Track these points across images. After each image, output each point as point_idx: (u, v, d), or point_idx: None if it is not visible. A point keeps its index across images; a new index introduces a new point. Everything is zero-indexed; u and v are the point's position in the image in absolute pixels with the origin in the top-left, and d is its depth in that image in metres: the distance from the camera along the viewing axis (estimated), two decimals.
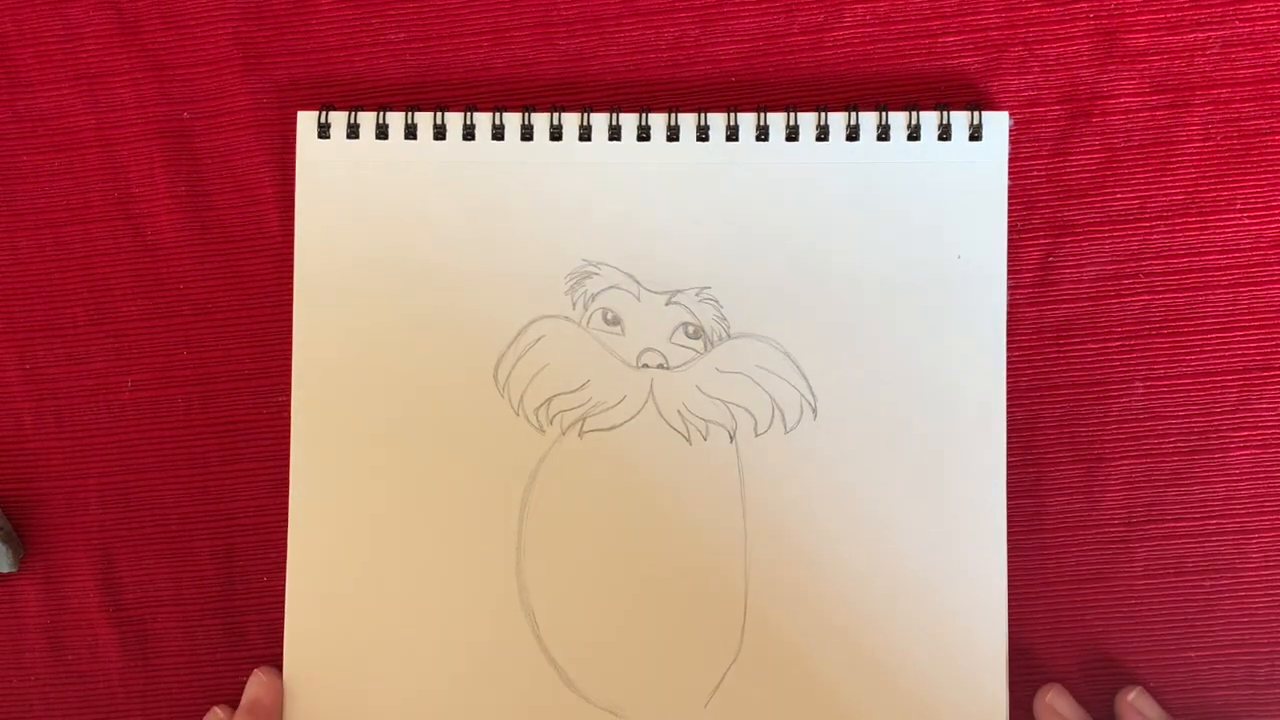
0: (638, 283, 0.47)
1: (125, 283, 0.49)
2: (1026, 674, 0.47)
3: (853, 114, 0.47)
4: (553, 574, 0.47)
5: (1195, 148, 0.47)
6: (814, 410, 0.46)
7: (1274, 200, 0.47)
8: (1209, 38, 0.47)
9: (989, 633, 0.46)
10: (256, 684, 0.47)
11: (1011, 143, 0.47)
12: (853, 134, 0.47)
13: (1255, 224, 0.47)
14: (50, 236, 0.49)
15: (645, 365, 0.47)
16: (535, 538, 0.47)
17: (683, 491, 0.47)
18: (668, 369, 0.47)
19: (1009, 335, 0.47)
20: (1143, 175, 0.47)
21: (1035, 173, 0.47)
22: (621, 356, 0.47)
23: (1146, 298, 0.47)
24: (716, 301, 0.47)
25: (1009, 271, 0.47)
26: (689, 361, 0.47)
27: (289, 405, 0.47)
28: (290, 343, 0.47)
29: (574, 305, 0.47)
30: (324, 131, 0.47)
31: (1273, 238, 0.47)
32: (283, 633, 0.47)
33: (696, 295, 0.47)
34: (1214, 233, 0.47)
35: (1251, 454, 0.47)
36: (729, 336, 0.47)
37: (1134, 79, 0.47)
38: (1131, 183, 0.47)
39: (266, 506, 0.48)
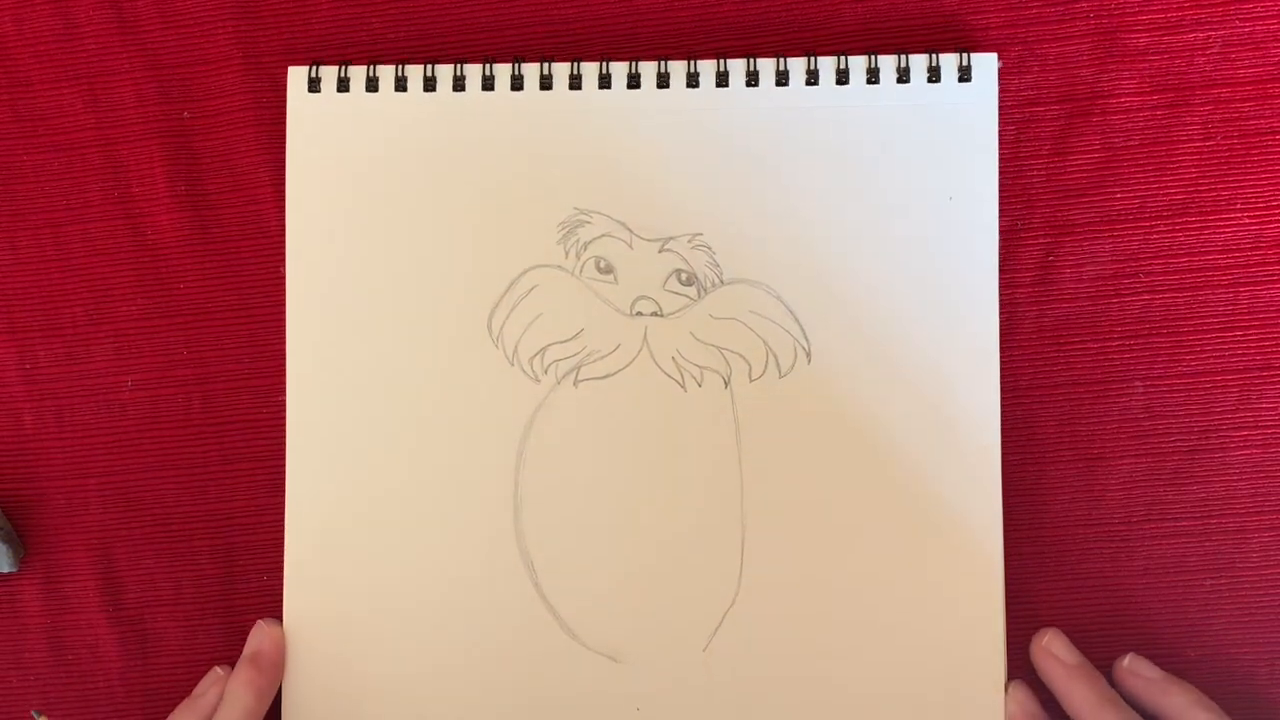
0: (630, 230, 0.47)
1: (125, 283, 0.49)
2: (1026, 673, 0.47)
3: (842, 58, 0.47)
4: (550, 523, 0.47)
5: (1195, 147, 0.47)
6: (808, 354, 0.47)
7: (1274, 200, 0.47)
8: (1209, 38, 0.47)
9: (985, 573, 0.46)
10: (259, 635, 0.47)
11: (1012, 143, 0.47)
12: (842, 78, 0.47)
13: (1255, 224, 0.47)
14: (50, 236, 0.49)
15: (639, 313, 0.47)
16: (532, 487, 0.47)
17: (678, 438, 0.47)
18: (661, 316, 0.47)
19: (1008, 335, 0.47)
20: (1142, 175, 0.47)
21: (1035, 172, 0.47)
22: (615, 305, 0.47)
23: (1146, 298, 0.47)
24: (709, 248, 0.47)
25: (1007, 270, 0.47)
26: (682, 308, 0.47)
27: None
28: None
29: (567, 254, 0.47)
30: (314, 85, 0.47)
31: (1273, 238, 0.47)
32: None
33: (689, 242, 0.47)
34: (1214, 233, 0.47)
35: (1251, 454, 0.47)
36: (722, 283, 0.47)
37: (1134, 79, 0.47)
38: (1131, 182, 0.47)
39: (266, 506, 0.48)
